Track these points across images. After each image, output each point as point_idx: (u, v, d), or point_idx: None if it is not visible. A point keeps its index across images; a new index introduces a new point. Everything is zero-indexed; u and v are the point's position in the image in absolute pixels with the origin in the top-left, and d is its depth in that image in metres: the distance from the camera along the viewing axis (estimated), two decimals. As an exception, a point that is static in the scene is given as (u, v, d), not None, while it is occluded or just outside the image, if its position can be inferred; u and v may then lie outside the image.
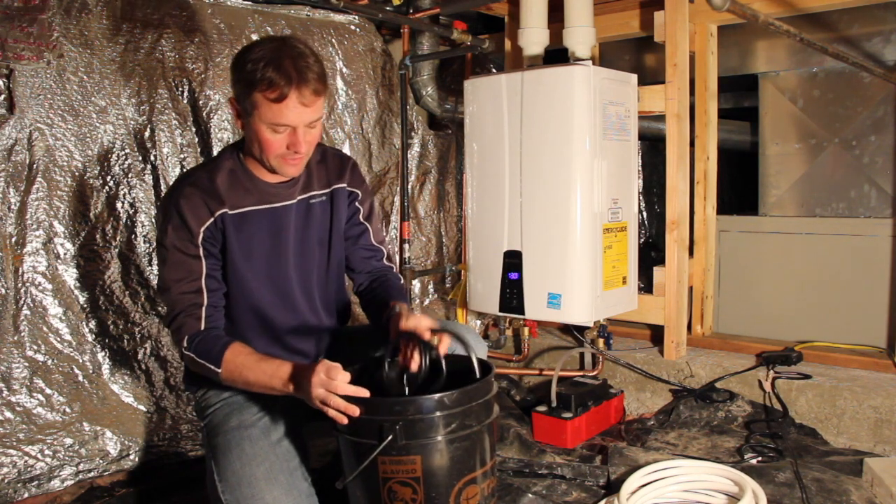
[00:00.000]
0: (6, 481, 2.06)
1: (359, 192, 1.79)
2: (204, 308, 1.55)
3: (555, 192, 2.56)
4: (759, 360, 2.69)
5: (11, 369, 2.10)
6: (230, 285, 1.63)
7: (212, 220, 1.56)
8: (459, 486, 1.36)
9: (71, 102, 2.21)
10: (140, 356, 2.36)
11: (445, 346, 1.49)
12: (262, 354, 1.51)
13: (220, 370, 1.49)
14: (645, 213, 4.34)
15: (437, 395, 1.33)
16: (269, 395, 1.63)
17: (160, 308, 2.40)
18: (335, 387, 1.34)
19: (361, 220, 1.80)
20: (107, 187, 2.30)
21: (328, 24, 2.90)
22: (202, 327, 1.55)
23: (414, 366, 1.48)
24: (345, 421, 1.36)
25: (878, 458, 2.19)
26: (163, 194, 2.31)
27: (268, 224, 1.64)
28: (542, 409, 2.52)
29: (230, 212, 1.59)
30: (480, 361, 1.55)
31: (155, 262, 2.38)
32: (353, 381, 1.38)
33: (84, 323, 2.25)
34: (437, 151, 3.42)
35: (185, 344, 1.53)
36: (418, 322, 1.49)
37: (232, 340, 1.53)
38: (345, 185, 1.76)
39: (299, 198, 1.68)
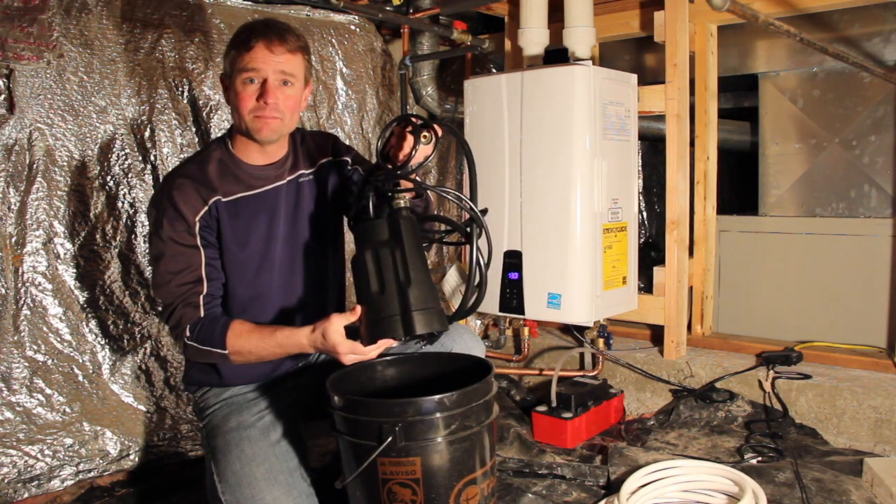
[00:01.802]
0: (6, 481, 2.06)
1: (348, 159, 1.78)
2: (202, 296, 1.56)
3: (555, 192, 2.56)
4: (759, 360, 2.69)
5: (11, 369, 2.10)
6: (227, 275, 1.63)
7: (206, 208, 1.57)
8: (459, 486, 1.36)
9: (71, 102, 2.21)
10: (140, 356, 2.36)
11: (439, 131, 1.48)
12: (265, 326, 1.55)
13: (226, 351, 1.51)
14: (645, 213, 4.33)
15: (436, 397, 1.33)
16: (268, 395, 1.64)
17: (160, 307, 2.40)
18: (367, 356, 1.45)
19: (365, 174, 1.77)
20: (107, 187, 2.30)
21: (328, 24, 2.90)
22: (201, 314, 1.55)
23: (405, 149, 1.45)
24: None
25: (878, 458, 2.19)
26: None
27: (260, 209, 1.64)
28: (542, 409, 2.52)
29: (223, 199, 1.59)
30: (480, 361, 1.55)
31: (154, 264, 2.38)
32: (349, 381, 1.42)
33: (84, 323, 2.25)
34: (436, 151, 3.42)
35: (187, 334, 1.53)
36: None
37: (230, 319, 1.54)
38: (329, 158, 1.76)
39: (288, 178, 1.69)
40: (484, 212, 1.45)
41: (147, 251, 2.36)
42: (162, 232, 1.54)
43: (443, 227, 1.60)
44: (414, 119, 1.45)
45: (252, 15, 2.64)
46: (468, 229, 1.41)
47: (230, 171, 1.62)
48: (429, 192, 1.61)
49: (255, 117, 1.55)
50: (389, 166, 1.47)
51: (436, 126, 1.45)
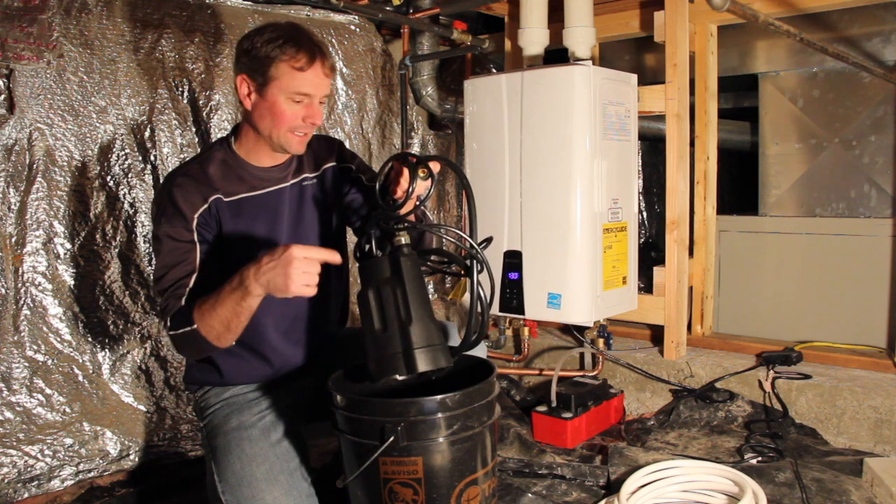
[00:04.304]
0: (6, 481, 2.06)
1: (352, 166, 1.79)
2: (189, 288, 1.51)
3: (555, 192, 2.55)
4: (759, 360, 2.69)
5: (11, 369, 2.10)
6: (228, 275, 1.62)
7: (206, 206, 1.56)
8: (461, 487, 1.36)
9: (71, 102, 2.21)
10: (140, 356, 2.36)
11: (436, 168, 1.47)
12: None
13: (194, 325, 1.43)
14: (645, 213, 4.34)
15: (439, 397, 1.33)
16: (269, 395, 1.64)
17: (159, 307, 2.40)
18: (309, 252, 1.34)
19: (368, 184, 1.77)
20: (107, 187, 2.30)
21: (328, 24, 2.90)
22: (183, 304, 1.49)
23: (403, 185, 1.44)
24: (338, 260, 1.37)
25: (878, 458, 2.19)
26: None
27: (263, 209, 1.64)
28: (542, 409, 2.52)
29: (224, 199, 1.59)
30: (482, 362, 1.55)
31: (154, 261, 2.38)
32: (344, 384, 1.43)
33: (84, 323, 2.25)
34: (436, 151, 3.42)
35: (169, 325, 1.48)
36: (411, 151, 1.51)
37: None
38: (334, 163, 1.77)
39: (292, 181, 1.69)
40: (488, 241, 1.46)
41: (147, 251, 2.36)
42: (160, 229, 1.54)
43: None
44: (411, 157, 1.45)
45: (252, 15, 2.64)
46: (468, 263, 1.42)
47: (233, 172, 1.62)
48: (427, 216, 1.61)
49: (292, 134, 1.57)
50: (391, 201, 1.47)
51: (430, 164, 1.45)
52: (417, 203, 1.45)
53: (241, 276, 1.38)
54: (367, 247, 1.45)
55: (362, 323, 1.41)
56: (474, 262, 1.41)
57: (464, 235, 1.42)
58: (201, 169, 1.60)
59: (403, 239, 1.42)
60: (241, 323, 1.43)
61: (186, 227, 1.54)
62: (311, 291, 1.34)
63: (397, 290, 1.37)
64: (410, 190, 1.41)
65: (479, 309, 1.41)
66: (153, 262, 2.36)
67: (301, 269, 1.32)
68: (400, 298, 1.36)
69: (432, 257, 1.54)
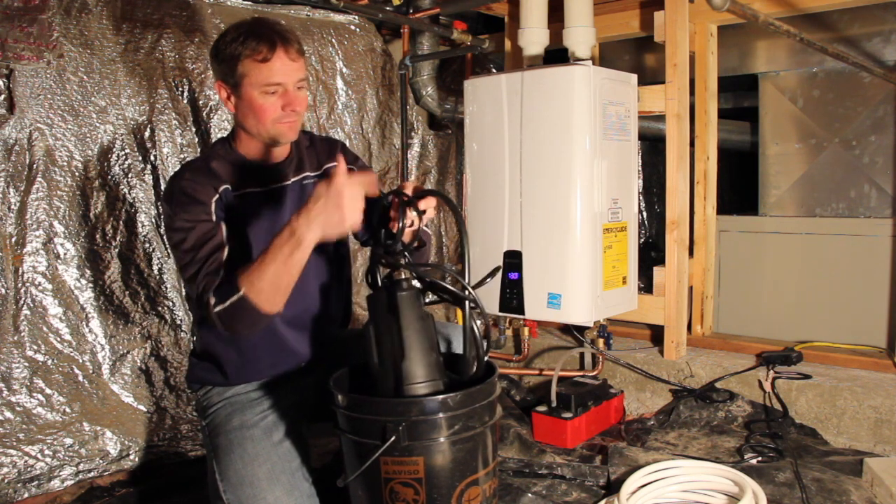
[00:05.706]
0: (6, 481, 2.05)
1: (353, 168, 1.78)
2: (223, 262, 1.48)
3: (555, 192, 2.56)
4: (759, 360, 2.69)
5: (11, 369, 2.10)
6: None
7: (217, 195, 1.55)
8: (462, 487, 1.36)
9: (71, 102, 2.20)
10: (140, 356, 2.35)
11: (430, 205, 1.47)
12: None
13: (241, 291, 1.39)
14: (645, 213, 4.34)
15: (440, 397, 1.33)
16: (271, 395, 1.63)
17: (160, 308, 2.40)
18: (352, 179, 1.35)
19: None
20: (107, 187, 2.30)
21: (328, 24, 2.90)
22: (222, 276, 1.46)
23: (407, 220, 1.44)
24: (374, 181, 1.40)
25: (878, 458, 2.19)
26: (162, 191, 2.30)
27: (266, 206, 1.64)
28: (542, 409, 2.52)
29: (232, 191, 1.58)
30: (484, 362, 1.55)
31: (154, 262, 2.38)
32: (346, 383, 1.44)
33: (84, 323, 2.25)
34: (437, 151, 3.42)
35: (212, 302, 1.43)
36: (407, 184, 1.50)
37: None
38: (335, 163, 1.75)
39: (293, 179, 1.68)
40: (494, 271, 1.49)
41: (146, 251, 2.36)
42: (177, 220, 1.51)
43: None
44: (404, 196, 1.46)
45: (252, 15, 2.63)
46: (464, 301, 1.43)
47: (236, 168, 1.62)
48: (428, 235, 1.62)
49: (278, 124, 1.56)
50: (389, 236, 1.48)
51: (420, 203, 1.45)
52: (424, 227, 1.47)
53: (290, 228, 1.36)
54: (375, 278, 1.46)
55: (366, 356, 1.42)
56: (469, 305, 1.41)
57: (459, 278, 1.43)
58: (206, 165, 1.60)
59: (403, 273, 1.43)
60: (291, 281, 1.41)
61: (205, 210, 1.52)
62: (360, 218, 1.34)
63: (393, 326, 1.38)
64: (403, 226, 1.42)
65: (474, 348, 1.42)
66: (153, 262, 2.37)
67: (351, 198, 1.33)
68: (395, 335, 1.38)
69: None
